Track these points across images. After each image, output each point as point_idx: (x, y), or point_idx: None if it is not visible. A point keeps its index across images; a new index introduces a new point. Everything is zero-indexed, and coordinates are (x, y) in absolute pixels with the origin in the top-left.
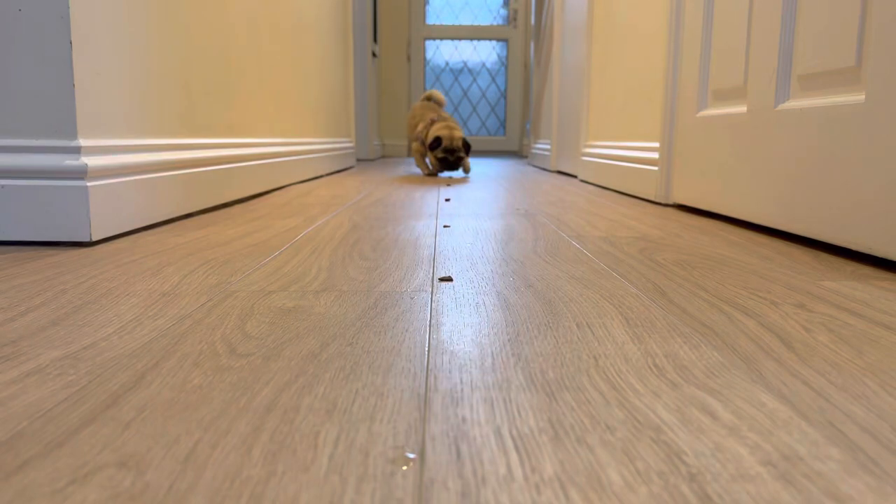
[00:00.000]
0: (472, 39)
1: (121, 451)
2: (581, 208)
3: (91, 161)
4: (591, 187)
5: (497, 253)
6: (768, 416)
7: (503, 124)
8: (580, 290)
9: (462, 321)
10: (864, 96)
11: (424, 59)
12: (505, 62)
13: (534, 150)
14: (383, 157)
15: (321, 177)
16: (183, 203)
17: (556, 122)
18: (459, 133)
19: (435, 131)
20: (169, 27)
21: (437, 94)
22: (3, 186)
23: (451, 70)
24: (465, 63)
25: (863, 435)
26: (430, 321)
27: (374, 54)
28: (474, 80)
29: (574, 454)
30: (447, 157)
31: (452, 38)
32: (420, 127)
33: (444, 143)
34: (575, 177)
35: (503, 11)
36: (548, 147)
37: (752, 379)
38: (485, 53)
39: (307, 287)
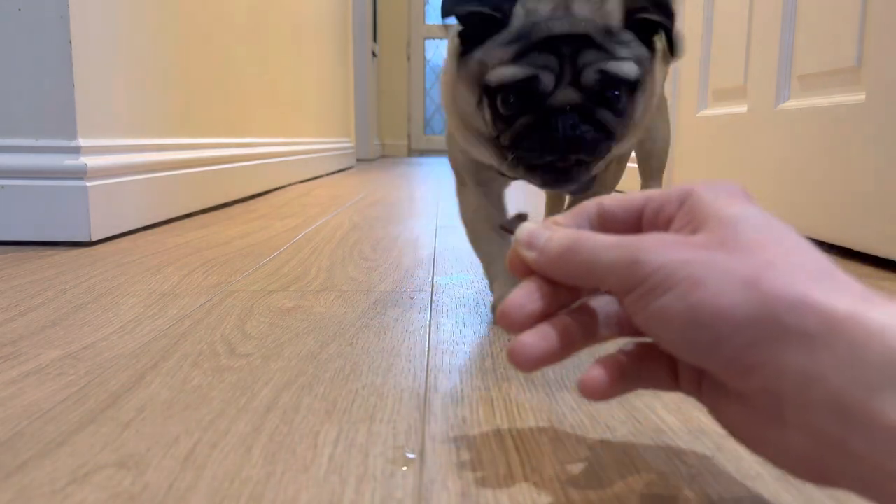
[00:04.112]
0: None
1: (120, 451)
2: None
3: (91, 161)
4: None
5: None
6: None
7: None
8: None
9: (462, 321)
10: (864, 96)
11: (424, 58)
12: None
13: None
14: (383, 156)
15: (321, 177)
16: (183, 203)
17: None
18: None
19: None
20: (169, 27)
21: None
22: (3, 186)
23: None
24: None
25: None
26: (430, 321)
27: (373, 54)
28: None
29: (574, 454)
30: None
31: None
32: None
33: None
34: None
35: None
36: None
37: None
38: None
39: (307, 287)
